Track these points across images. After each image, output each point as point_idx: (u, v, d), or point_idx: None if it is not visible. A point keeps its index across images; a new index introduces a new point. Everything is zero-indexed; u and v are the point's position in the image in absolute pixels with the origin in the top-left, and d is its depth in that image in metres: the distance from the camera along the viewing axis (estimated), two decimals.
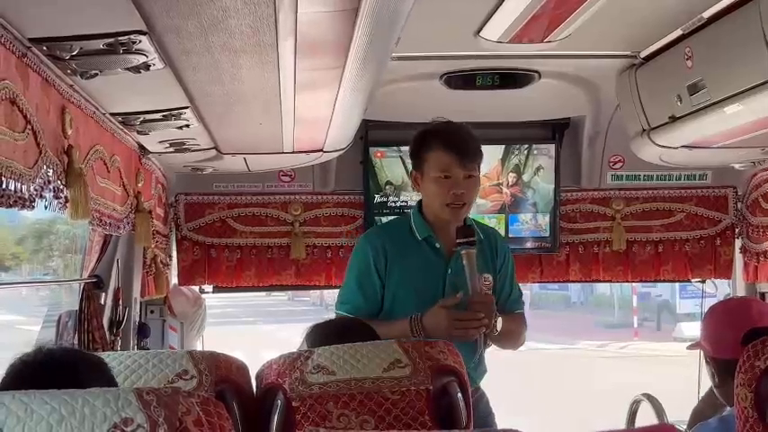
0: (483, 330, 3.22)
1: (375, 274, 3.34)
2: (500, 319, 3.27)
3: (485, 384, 3.51)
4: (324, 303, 27.74)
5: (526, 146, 4.67)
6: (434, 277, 3.35)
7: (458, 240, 3.25)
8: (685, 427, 3.28)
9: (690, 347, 3.10)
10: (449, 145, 3.27)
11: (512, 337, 3.45)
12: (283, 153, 3.83)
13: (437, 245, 3.37)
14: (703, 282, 4.96)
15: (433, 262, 3.36)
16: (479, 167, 3.36)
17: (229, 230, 4.69)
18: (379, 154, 4.59)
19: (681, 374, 4.60)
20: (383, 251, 3.35)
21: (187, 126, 3.01)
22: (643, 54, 3.54)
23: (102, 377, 1.95)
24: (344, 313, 3.33)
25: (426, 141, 3.33)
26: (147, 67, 2.18)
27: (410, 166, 3.51)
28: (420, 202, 3.48)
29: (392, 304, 3.34)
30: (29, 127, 2.06)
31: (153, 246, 4.07)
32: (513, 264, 3.56)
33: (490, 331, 3.24)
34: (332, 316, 3.32)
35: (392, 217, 4.39)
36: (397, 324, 3.22)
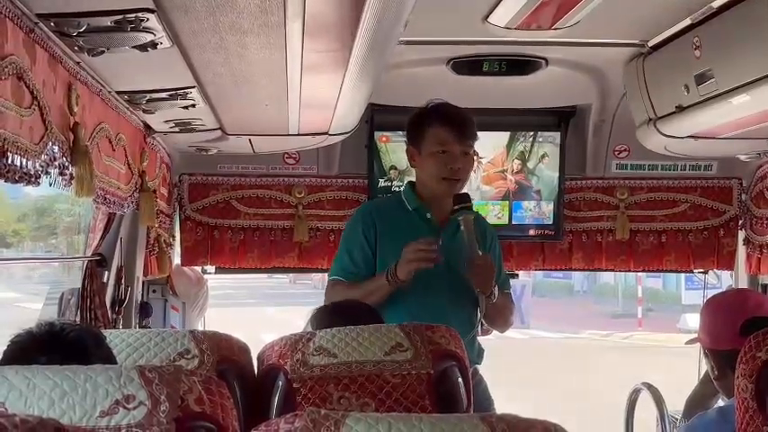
0: (483, 294, 3.30)
1: (365, 242, 3.42)
2: (497, 287, 3.36)
3: (483, 371, 3.51)
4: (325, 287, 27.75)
5: (531, 133, 4.67)
6: None
7: (455, 206, 3.34)
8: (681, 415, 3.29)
9: (688, 342, 3.10)
10: (447, 121, 3.38)
11: (503, 313, 3.53)
12: (288, 135, 3.83)
13: (428, 215, 3.46)
14: (705, 273, 4.96)
15: (424, 232, 3.39)
16: (474, 147, 3.45)
17: (233, 212, 4.69)
18: (384, 138, 4.57)
19: (685, 365, 4.60)
20: (372, 222, 3.44)
21: (193, 106, 3.01)
22: (651, 43, 3.52)
23: (106, 351, 1.96)
24: (336, 277, 3.43)
25: (425, 118, 3.44)
26: (154, 45, 2.18)
27: None
28: (410, 182, 3.59)
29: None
30: (35, 103, 2.06)
31: (156, 225, 4.07)
32: (500, 247, 3.66)
33: (489, 295, 3.32)
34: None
35: None
36: (375, 278, 3.33)
